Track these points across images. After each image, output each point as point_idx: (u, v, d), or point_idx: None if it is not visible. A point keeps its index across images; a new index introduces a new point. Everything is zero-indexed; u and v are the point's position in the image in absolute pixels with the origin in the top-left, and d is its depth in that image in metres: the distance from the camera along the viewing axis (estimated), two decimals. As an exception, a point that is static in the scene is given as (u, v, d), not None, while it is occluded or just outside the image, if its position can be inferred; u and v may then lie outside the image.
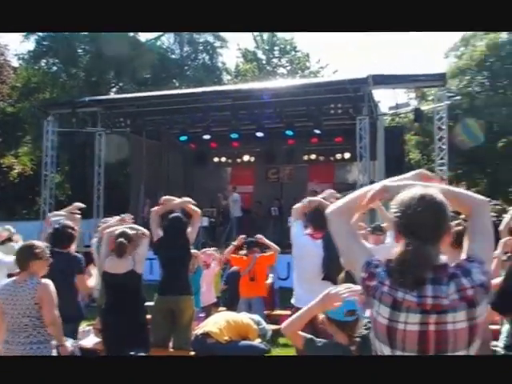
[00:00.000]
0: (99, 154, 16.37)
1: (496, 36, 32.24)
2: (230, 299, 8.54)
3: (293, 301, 4.87)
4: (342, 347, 2.74)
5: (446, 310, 1.71)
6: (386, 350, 1.76)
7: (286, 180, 19.07)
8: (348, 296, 2.35)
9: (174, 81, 29.12)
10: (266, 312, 8.32)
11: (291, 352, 7.02)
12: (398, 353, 1.73)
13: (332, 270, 4.58)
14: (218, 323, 5.69)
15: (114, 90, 27.57)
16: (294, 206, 5.10)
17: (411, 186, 1.86)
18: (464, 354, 1.71)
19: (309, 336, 2.75)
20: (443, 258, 1.81)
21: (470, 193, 1.99)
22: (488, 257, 1.84)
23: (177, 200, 6.19)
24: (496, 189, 27.13)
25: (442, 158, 13.85)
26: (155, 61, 25.67)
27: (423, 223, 1.77)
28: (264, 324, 6.28)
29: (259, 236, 8.24)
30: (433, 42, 79.36)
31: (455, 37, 34.59)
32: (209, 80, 26.41)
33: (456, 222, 4.23)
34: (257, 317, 6.30)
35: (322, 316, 2.84)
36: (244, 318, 6.07)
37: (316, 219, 4.86)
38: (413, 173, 2.02)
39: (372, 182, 13.98)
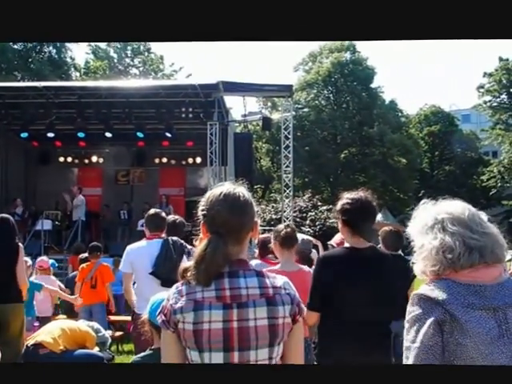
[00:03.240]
0: None
1: (341, 55, 34.78)
2: (69, 305, 8.10)
3: (134, 308, 4.84)
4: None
5: (247, 303, 1.75)
6: (194, 356, 1.75)
7: (137, 183, 18.62)
8: None
9: (16, 73, 27.06)
10: (109, 318, 8.03)
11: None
12: (206, 354, 1.73)
13: (161, 267, 4.61)
14: (51, 332, 5.38)
15: None
16: None
17: None
18: (267, 352, 1.76)
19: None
20: (244, 256, 1.87)
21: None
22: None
23: None
24: (338, 195, 29.05)
25: (287, 166, 14.46)
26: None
27: (225, 222, 1.79)
28: (103, 331, 6.04)
29: None
30: (285, 55, 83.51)
31: (304, 52, 36.57)
32: (55, 75, 24.95)
33: (285, 224, 4.43)
34: (96, 324, 6.04)
35: (145, 316, 2.84)
36: (81, 325, 5.78)
37: (153, 221, 4.87)
38: None
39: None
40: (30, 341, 5.29)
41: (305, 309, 1.87)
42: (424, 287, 1.84)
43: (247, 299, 1.75)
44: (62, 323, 5.80)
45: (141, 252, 4.76)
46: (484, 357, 1.71)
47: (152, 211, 5.02)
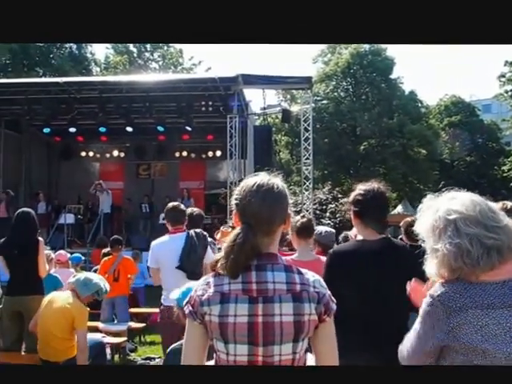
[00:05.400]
0: None
1: (360, 45, 34.36)
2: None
3: (161, 299, 4.88)
4: None
5: (273, 297, 1.72)
6: (220, 347, 1.76)
7: (158, 176, 18.80)
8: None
9: (38, 69, 27.36)
10: (131, 310, 8.14)
11: (158, 350, 6.95)
12: (231, 346, 1.73)
13: (187, 261, 4.66)
14: (53, 347, 4.79)
15: (-32, 75, 25.28)
16: None
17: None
18: (291, 347, 1.74)
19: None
20: (274, 249, 1.83)
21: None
22: None
23: None
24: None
25: (307, 158, 14.40)
26: (15, 46, 23.85)
27: (255, 214, 1.76)
28: (95, 279, 5.21)
29: None
30: (304, 47, 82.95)
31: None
32: (76, 70, 25.21)
33: (301, 214, 4.44)
34: (83, 275, 5.26)
35: (175, 309, 2.89)
36: (66, 312, 4.75)
37: (172, 215, 4.92)
38: None
39: (242, 181, 14.15)
40: (44, 356, 4.80)
41: (334, 309, 1.81)
42: (440, 289, 1.79)
43: (273, 294, 1.72)
44: (50, 326, 4.82)
45: (164, 247, 4.81)
46: (507, 356, 1.68)
47: (170, 205, 5.03)
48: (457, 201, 1.82)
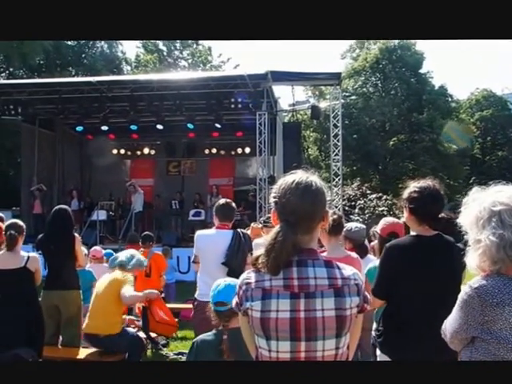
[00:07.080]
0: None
1: (388, 40, 33.93)
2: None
3: (196, 295, 4.86)
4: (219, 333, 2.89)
5: (314, 293, 1.74)
6: (262, 343, 1.78)
7: (188, 173, 18.96)
8: None
9: (70, 69, 27.87)
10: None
11: (190, 345, 7.01)
12: (273, 342, 1.75)
13: (234, 259, 4.62)
14: (104, 320, 5.28)
15: (4, 75, 25.94)
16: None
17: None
18: (334, 342, 1.76)
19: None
20: (314, 245, 1.85)
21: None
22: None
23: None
24: (387, 183, 28.70)
25: (336, 155, 14.32)
26: (49, 46, 24.34)
27: (295, 211, 1.78)
28: (137, 255, 5.85)
29: None
30: (332, 42, 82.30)
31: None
32: (107, 69, 25.60)
33: (331, 211, 4.44)
34: (128, 252, 5.86)
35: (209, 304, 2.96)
36: (109, 279, 5.51)
37: (222, 211, 4.90)
38: None
39: (271, 177, 14.30)
40: (88, 329, 5.34)
41: (369, 297, 1.86)
42: (479, 281, 1.78)
43: (315, 289, 1.74)
44: (101, 300, 5.43)
45: (209, 240, 4.80)
46: None
47: (223, 200, 5.01)
48: (503, 193, 1.82)
